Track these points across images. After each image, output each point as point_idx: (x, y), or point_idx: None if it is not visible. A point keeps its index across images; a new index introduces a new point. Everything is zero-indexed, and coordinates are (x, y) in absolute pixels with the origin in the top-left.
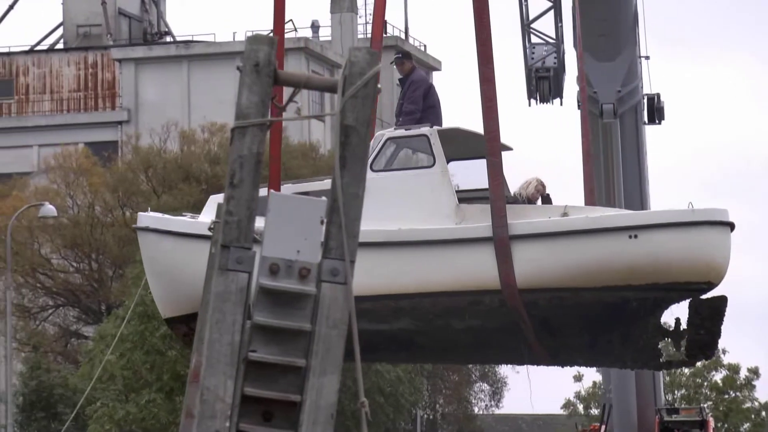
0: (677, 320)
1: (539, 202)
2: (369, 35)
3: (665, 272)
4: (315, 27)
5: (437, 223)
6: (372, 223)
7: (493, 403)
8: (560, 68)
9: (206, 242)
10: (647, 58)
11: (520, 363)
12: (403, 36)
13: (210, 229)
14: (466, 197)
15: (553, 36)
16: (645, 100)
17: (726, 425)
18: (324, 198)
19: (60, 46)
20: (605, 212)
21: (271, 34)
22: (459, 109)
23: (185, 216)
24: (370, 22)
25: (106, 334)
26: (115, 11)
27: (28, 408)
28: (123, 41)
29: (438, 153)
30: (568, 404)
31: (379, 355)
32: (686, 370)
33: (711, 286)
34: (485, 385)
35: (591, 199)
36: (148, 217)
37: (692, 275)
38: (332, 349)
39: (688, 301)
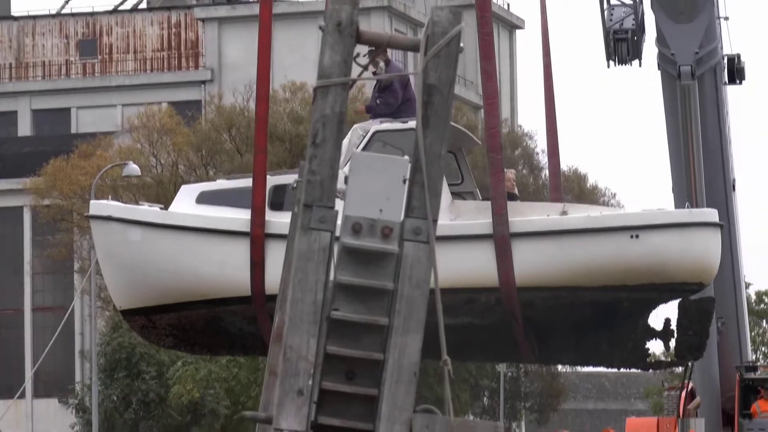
0: (666, 320)
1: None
2: None
3: (663, 273)
4: None
5: None
6: None
7: None
8: (639, 30)
9: (179, 233)
10: (726, 18)
11: (505, 361)
12: None
13: (293, 188)
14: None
15: None
16: (725, 61)
17: None
18: (406, 157)
19: (143, 5)
20: (604, 211)
21: None
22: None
23: (144, 205)
24: None
25: None
26: None
27: (109, 367)
28: (206, 1)
29: None
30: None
31: None
32: None
33: (701, 286)
34: None
35: (556, 195)
36: (108, 206)
37: (687, 276)
38: (415, 308)
39: (676, 302)
